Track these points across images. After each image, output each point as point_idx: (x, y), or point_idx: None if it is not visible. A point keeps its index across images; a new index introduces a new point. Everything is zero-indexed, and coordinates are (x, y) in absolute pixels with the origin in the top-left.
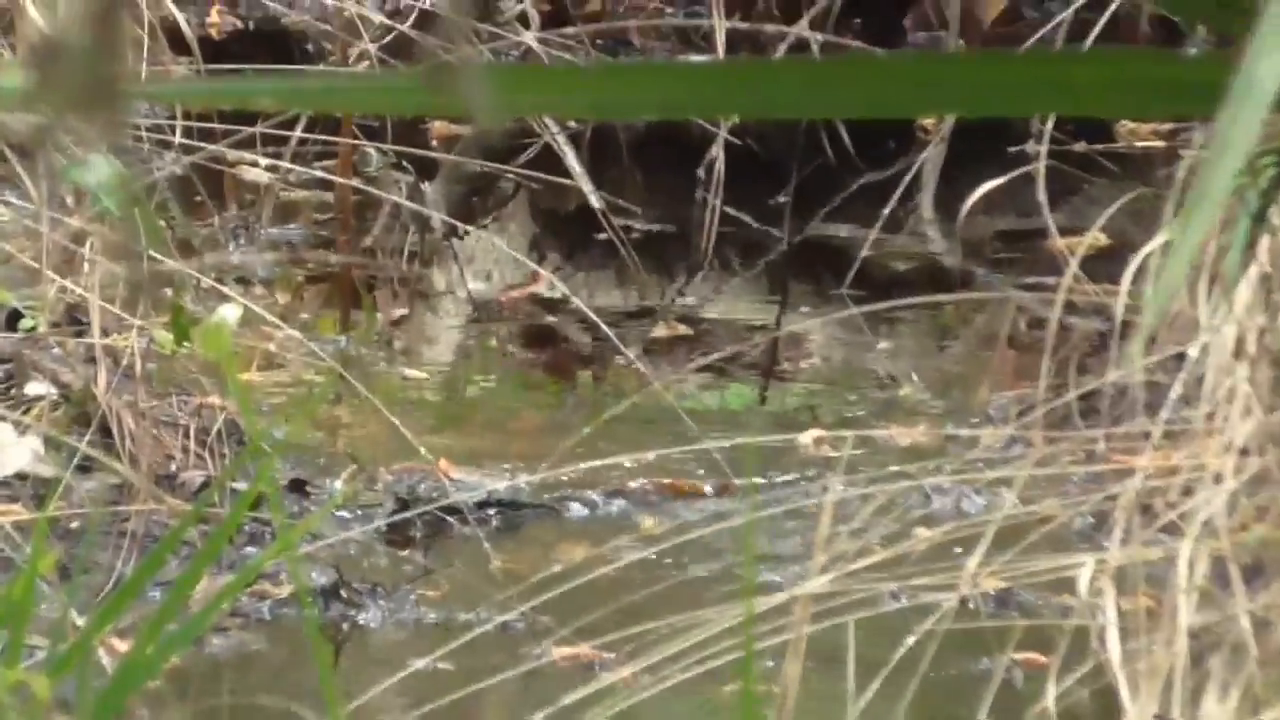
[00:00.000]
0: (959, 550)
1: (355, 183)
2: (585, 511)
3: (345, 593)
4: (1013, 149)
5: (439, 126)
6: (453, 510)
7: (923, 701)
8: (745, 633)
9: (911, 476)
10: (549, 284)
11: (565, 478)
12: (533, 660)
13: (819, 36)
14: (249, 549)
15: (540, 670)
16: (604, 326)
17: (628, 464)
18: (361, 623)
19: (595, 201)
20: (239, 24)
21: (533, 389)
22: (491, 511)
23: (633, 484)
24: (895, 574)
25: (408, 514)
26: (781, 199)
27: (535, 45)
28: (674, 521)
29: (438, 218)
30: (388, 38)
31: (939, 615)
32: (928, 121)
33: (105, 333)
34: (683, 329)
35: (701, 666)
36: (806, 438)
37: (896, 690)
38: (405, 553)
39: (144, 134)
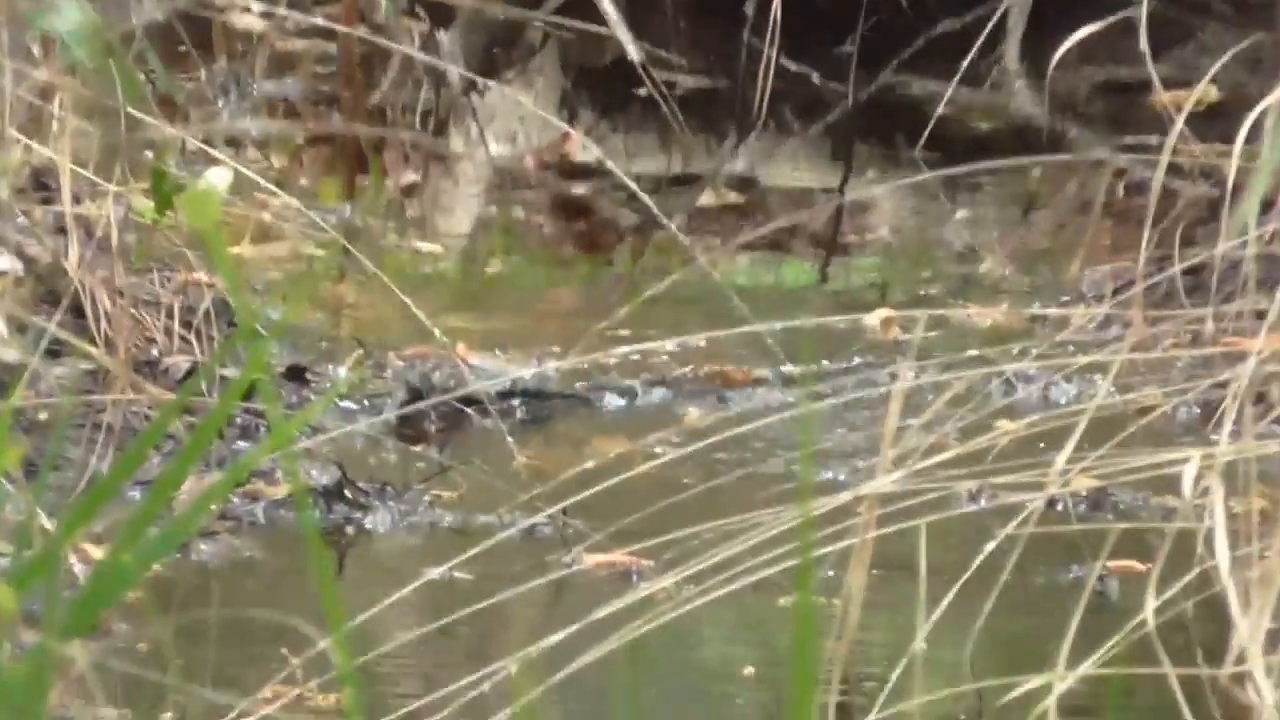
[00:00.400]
0: (1046, 445)
1: (361, 31)
2: (622, 402)
3: (350, 493)
4: None
5: None
6: (472, 401)
7: (1004, 615)
8: (802, 538)
9: (992, 362)
10: (581, 146)
11: (599, 364)
12: (562, 569)
13: None
14: (240, 444)
15: (570, 580)
16: (643, 195)
17: (670, 348)
18: (368, 527)
19: (634, 53)
20: None
21: (563, 265)
22: (515, 402)
23: (676, 371)
24: (973, 472)
25: (421, 405)
26: (846, 49)
27: None
28: (722, 413)
29: (455, 71)
30: None
31: (1023, 518)
32: None
33: (77, 200)
34: (733, 197)
35: (752, 576)
36: (873, 319)
37: (974, 602)
38: (418, 448)
39: None
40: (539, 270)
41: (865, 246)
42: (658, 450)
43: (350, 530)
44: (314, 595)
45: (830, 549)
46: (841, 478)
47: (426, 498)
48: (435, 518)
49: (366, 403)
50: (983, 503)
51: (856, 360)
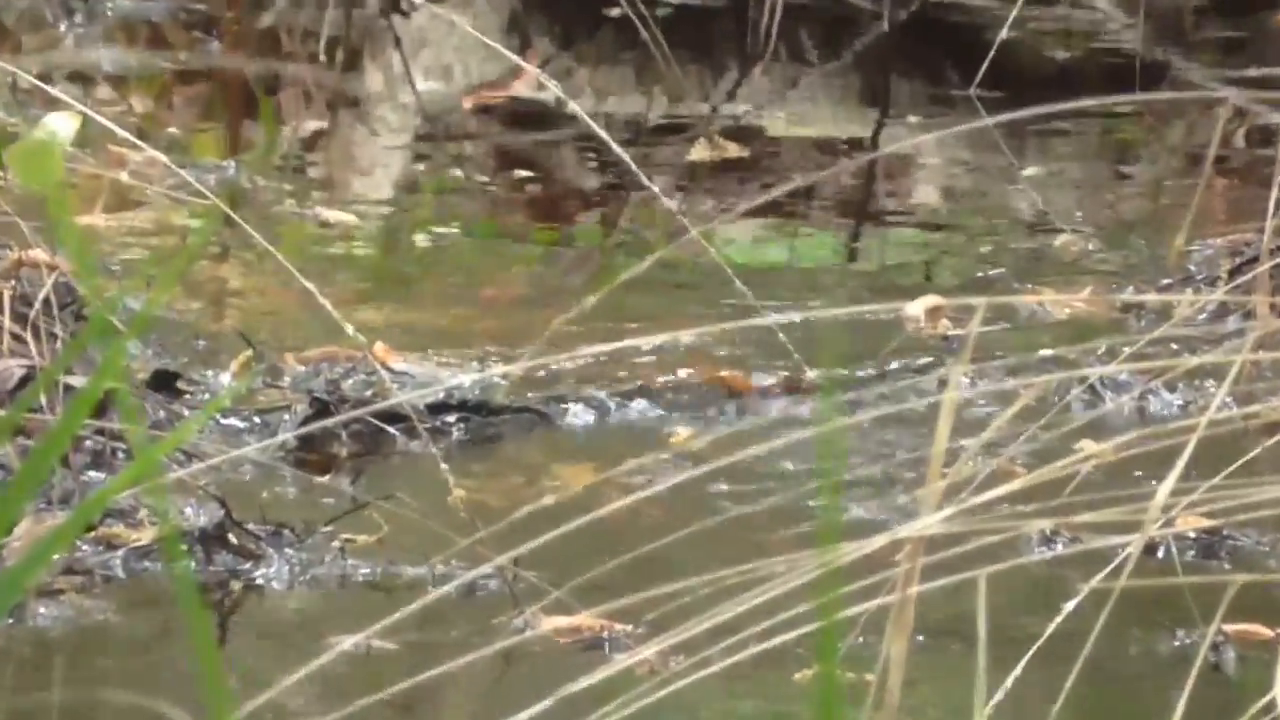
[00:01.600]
0: (1143, 473)
1: None
2: (590, 418)
3: (236, 538)
4: None
5: None
6: (395, 417)
7: (1089, 694)
8: (825, 594)
9: (1072, 364)
10: (536, 84)
11: (560, 368)
12: (512, 635)
13: None
14: (91, 474)
15: (523, 649)
16: (616, 147)
17: (650, 347)
18: (260, 582)
19: None
20: None
21: (512, 239)
22: (452, 418)
23: (660, 378)
24: (1048, 508)
25: (328, 421)
26: None
27: None
28: (719, 431)
29: None
30: None
31: (1113, 568)
32: None
33: None
34: (734, 149)
35: (760, 645)
36: (916, 308)
37: (1050, 678)
38: (324, 479)
39: None
40: (481, 247)
41: (906, 214)
42: (636, 480)
43: (236, 586)
44: (188, 671)
45: (862, 608)
46: (876, 516)
47: (336, 543)
48: (347, 569)
49: (257, 420)
50: (1060, 548)
51: (895, 363)
